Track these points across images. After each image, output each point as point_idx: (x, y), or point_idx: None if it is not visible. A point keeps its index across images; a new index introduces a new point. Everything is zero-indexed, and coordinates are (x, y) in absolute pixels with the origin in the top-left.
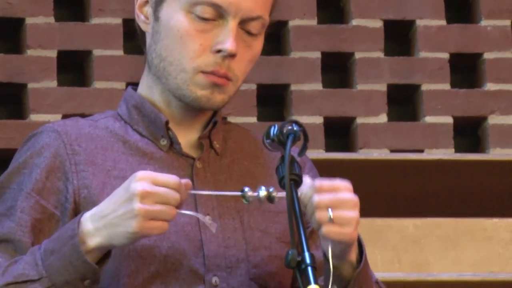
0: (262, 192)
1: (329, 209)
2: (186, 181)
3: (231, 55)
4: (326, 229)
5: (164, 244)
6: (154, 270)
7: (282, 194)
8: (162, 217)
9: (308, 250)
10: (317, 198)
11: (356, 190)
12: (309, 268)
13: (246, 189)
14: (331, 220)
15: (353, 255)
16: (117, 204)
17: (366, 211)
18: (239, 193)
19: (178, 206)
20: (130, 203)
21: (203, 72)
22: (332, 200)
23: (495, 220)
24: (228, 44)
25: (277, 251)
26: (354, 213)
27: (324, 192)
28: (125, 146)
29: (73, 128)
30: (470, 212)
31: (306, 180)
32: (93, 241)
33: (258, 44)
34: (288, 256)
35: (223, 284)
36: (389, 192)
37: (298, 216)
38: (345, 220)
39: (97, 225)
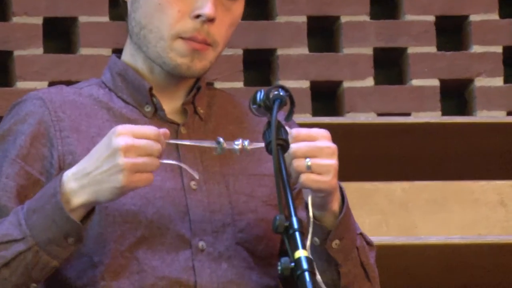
0: (237, 144)
1: (307, 158)
2: (164, 130)
3: (210, 20)
4: (304, 178)
5: (150, 209)
6: (140, 235)
7: (257, 145)
8: (147, 169)
9: (296, 215)
10: (294, 147)
11: (343, 154)
12: (297, 233)
13: (221, 139)
14: (309, 169)
15: (335, 205)
16: (100, 161)
17: (353, 175)
18: (214, 144)
19: (159, 156)
20: (114, 158)
21: (181, 38)
22: (309, 148)
23: (482, 182)
24: (207, 9)
25: (263, 214)
26: (332, 161)
27: (302, 141)
28: (109, 113)
29: (57, 95)
30: (457, 175)
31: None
32: (78, 199)
33: (238, 7)
34: (276, 221)
35: (209, 248)
36: (376, 155)
37: (285, 180)
38: (323, 168)
39: (81, 183)
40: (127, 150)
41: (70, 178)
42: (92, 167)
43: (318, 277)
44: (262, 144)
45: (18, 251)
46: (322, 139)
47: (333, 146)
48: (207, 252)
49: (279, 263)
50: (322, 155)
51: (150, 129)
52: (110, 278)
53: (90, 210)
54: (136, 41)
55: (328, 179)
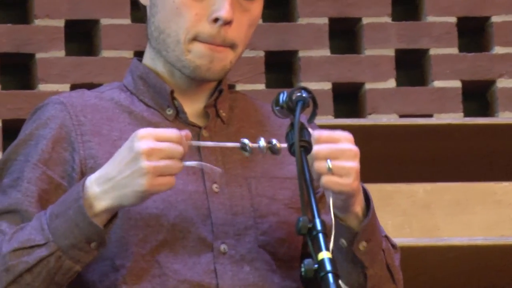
0: (262, 143)
1: (328, 160)
2: (186, 132)
3: (227, 23)
4: (325, 180)
5: (172, 212)
6: (162, 239)
7: (284, 145)
8: (169, 172)
9: (319, 217)
10: (316, 149)
11: (365, 156)
12: (320, 235)
13: (246, 140)
14: (330, 170)
15: (357, 208)
16: (122, 165)
17: (375, 176)
18: (238, 144)
19: (182, 159)
20: (136, 162)
21: (198, 40)
22: (331, 150)
23: (505, 183)
24: (223, 12)
25: (285, 217)
26: (353, 163)
27: (323, 143)
28: (131, 117)
29: (78, 99)
30: (479, 176)
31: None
32: (101, 204)
33: (256, 7)
34: (299, 223)
35: (231, 251)
36: (398, 157)
37: (308, 182)
38: (344, 170)
39: (104, 188)
40: (150, 154)
41: (93, 183)
42: (115, 172)
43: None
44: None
45: (40, 256)
46: (344, 141)
47: (355, 148)
48: (229, 255)
49: (302, 265)
50: (343, 157)
51: (172, 132)
52: (132, 281)
53: (113, 214)
54: (156, 45)
55: (349, 182)
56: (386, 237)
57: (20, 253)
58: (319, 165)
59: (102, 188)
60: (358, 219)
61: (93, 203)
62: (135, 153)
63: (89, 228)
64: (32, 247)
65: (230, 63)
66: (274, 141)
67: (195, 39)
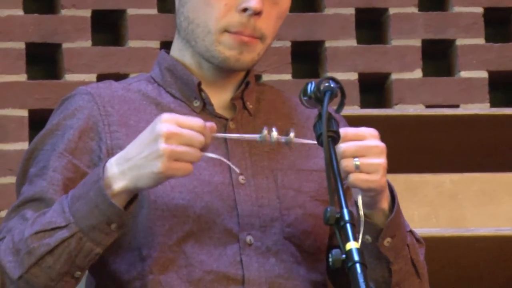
0: (292, 136)
1: (355, 158)
2: (211, 124)
3: (256, 13)
4: (353, 178)
5: (198, 203)
6: (188, 229)
7: (301, 141)
8: (187, 158)
9: (347, 207)
10: (342, 147)
11: (391, 146)
12: (348, 225)
13: (265, 131)
14: (357, 168)
15: (384, 204)
16: (142, 146)
17: (402, 167)
18: (259, 136)
19: (203, 149)
20: (155, 144)
21: (228, 31)
22: (358, 148)
23: None
24: (253, 2)
25: (311, 209)
26: (380, 160)
27: (350, 141)
28: (158, 109)
29: (106, 90)
30: (506, 167)
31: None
32: (119, 185)
33: (285, 1)
34: (327, 213)
35: (257, 243)
36: (425, 147)
37: (336, 173)
38: (372, 167)
39: (122, 168)
40: (169, 137)
41: (113, 164)
42: (134, 153)
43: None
44: (308, 141)
45: (61, 238)
46: (371, 138)
47: (382, 145)
48: (255, 247)
49: (330, 255)
50: (370, 154)
51: (195, 120)
52: (158, 271)
53: (133, 197)
54: (184, 36)
55: (377, 178)
56: (411, 232)
57: (41, 236)
58: (346, 164)
59: (120, 168)
60: (385, 215)
61: (111, 184)
62: (155, 134)
63: (109, 209)
64: (53, 229)
65: (258, 55)
66: (292, 134)
67: (225, 30)
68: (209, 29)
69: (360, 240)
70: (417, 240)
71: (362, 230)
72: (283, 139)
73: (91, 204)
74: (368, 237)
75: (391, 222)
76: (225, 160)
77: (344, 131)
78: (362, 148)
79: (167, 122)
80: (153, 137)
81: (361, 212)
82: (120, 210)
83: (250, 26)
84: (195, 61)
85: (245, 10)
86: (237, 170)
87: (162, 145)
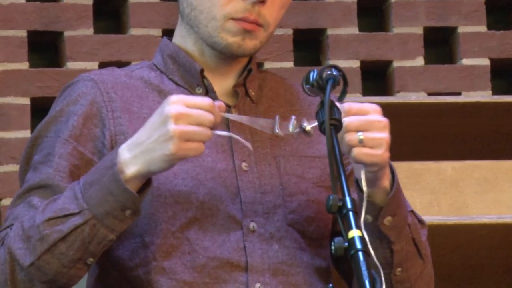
0: (293, 124)
1: (359, 132)
2: (219, 103)
3: (261, 1)
4: (356, 151)
5: (201, 190)
6: (192, 216)
7: (314, 124)
8: (198, 138)
9: (349, 195)
10: (346, 121)
11: (393, 134)
12: (351, 213)
13: (277, 118)
14: (361, 142)
15: (385, 181)
16: (152, 130)
17: (404, 154)
18: (270, 121)
19: (214, 128)
20: (164, 126)
21: (233, 19)
22: (361, 122)
23: None
24: None
25: (314, 195)
26: (384, 134)
27: (353, 115)
28: (160, 96)
29: (109, 76)
30: (508, 154)
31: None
32: (131, 170)
33: None
34: (329, 201)
35: (260, 229)
36: (427, 135)
37: (338, 160)
38: (375, 141)
39: (134, 153)
40: (178, 118)
41: (125, 149)
42: (145, 137)
43: (372, 253)
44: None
45: (75, 225)
46: (374, 113)
47: (385, 120)
48: (258, 233)
49: (332, 243)
50: (374, 129)
51: (203, 100)
52: (161, 258)
53: (146, 182)
54: (188, 22)
55: (380, 153)
56: (412, 212)
57: (54, 222)
58: (350, 138)
59: (132, 153)
60: (386, 194)
61: (124, 169)
62: (164, 116)
63: (123, 194)
64: (66, 216)
65: (260, 42)
66: (305, 124)
67: (230, 18)
68: (213, 15)
69: (362, 217)
70: (419, 220)
71: (364, 206)
72: (298, 128)
73: (105, 190)
74: (368, 217)
75: (391, 200)
76: (235, 136)
77: (348, 105)
78: (366, 122)
79: (175, 104)
80: (162, 120)
81: (364, 188)
82: (135, 195)
83: (255, 11)
84: (198, 48)
85: None
86: (248, 145)
87: (172, 126)
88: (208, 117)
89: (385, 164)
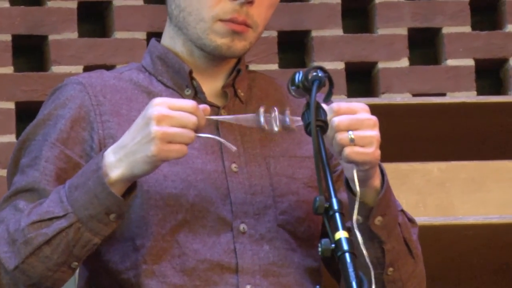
0: (276, 116)
1: (349, 131)
2: (204, 106)
3: (249, 2)
4: (348, 151)
5: (191, 192)
6: (182, 218)
7: (297, 119)
8: (180, 140)
9: (336, 196)
10: (336, 120)
11: (380, 135)
12: (337, 214)
13: (261, 110)
14: (352, 141)
15: (376, 181)
16: (135, 132)
17: (390, 155)
18: (254, 116)
19: (197, 131)
20: (147, 127)
21: (221, 20)
22: (351, 121)
23: None
24: None
25: (304, 196)
26: (374, 132)
27: (342, 114)
28: (150, 97)
29: (97, 79)
30: (494, 154)
31: (324, 105)
32: (115, 173)
33: None
34: (316, 202)
35: (251, 230)
36: (412, 136)
37: (324, 161)
38: (366, 139)
39: (119, 156)
40: (160, 120)
41: (110, 152)
42: (128, 139)
43: (365, 253)
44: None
45: (59, 228)
46: (362, 112)
47: (374, 118)
48: (248, 235)
49: (319, 245)
50: (364, 127)
51: (186, 102)
52: (151, 261)
53: (131, 186)
54: (176, 23)
55: (372, 151)
56: (403, 211)
57: (38, 226)
58: (341, 137)
59: (117, 156)
60: (377, 193)
61: (109, 172)
62: (147, 118)
63: (108, 198)
64: (51, 219)
65: (250, 43)
66: (288, 120)
67: (219, 19)
68: (201, 17)
69: (355, 217)
70: (410, 219)
71: (357, 206)
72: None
73: (90, 194)
74: (359, 217)
75: (382, 200)
76: (218, 138)
77: (337, 105)
78: (356, 121)
79: (158, 106)
80: (145, 122)
81: (357, 187)
82: (119, 199)
83: (243, 12)
84: (187, 49)
85: None
86: (233, 148)
87: (154, 128)
88: (191, 119)
89: (376, 162)
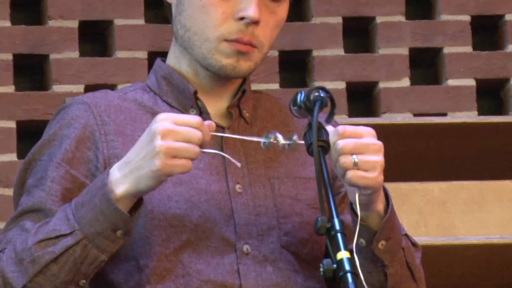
0: (282, 140)
1: (353, 155)
2: (209, 122)
3: (254, 22)
4: (351, 174)
5: (195, 212)
6: (185, 239)
7: (302, 142)
8: (185, 155)
9: (338, 216)
10: (341, 143)
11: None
12: (339, 235)
13: (271, 135)
14: (355, 165)
15: (379, 205)
16: (140, 148)
17: (391, 175)
18: (262, 139)
19: (202, 146)
20: (151, 142)
21: (226, 40)
22: (356, 144)
23: None
24: (251, 11)
25: (308, 217)
26: (378, 157)
27: (348, 138)
28: (154, 118)
29: (102, 99)
30: (495, 174)
31: (329, 127)
32: (121, 189)
33: (282, 10)
34: (318, 222)
35: (254, 252)
36: (413, 156)
37: (327, 182)
38: (370, 164)
39: (124, 172)
40: (165, 134)
41: (115, 169)
42: (133, 155)
43: (361, 276)
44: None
45: (66, 246)
46: (368, 136)
47: (379, 143)
48: (252, 256)
49: (321, 265)
50: (368, 152)
51: (191, 117)
52: (155, 281)
53: (138, 202)
54: (181, 43)
55: (375, 176)
56: (406, 235)
57: (45, 244)
58: (344, 160)
59: (122, 172)
60: (380, 218)
61: (114, 189)
62: (152, 133)
63: (114, 214)
64: (57, 237)
65: (255, 63)
66: (295, 137)
67: (224, 39)
68: (206, 36)
69: (355, 240)
70: (413, 244)
71: (357, 229)
72: (287, 141)
73: (96, 210)
74: (362, 241)
75: (386, 224)
76: (223, 154)
77: (343, 128)
78: (360, 145)
79: (163, 121)
80: (150, 137)
81: (358, 211)
82: (126, 215)
83: (249, 32)
84: (192, 69)
85: (242, 18)
86: (238, 164)
87: (159, 142)
88: (196, 134)
89: (379, 187)
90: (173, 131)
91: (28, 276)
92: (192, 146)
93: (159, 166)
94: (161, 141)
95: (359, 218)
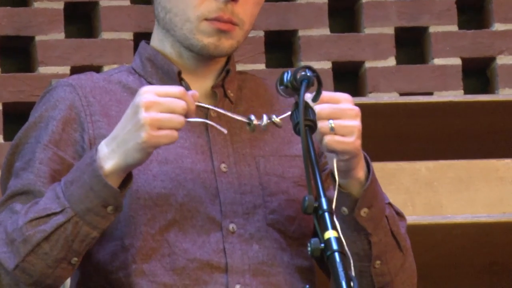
0: (265, 120)
1: (330, 120)
2: (192, 92)
3: (233, 0)
4: (328, 139)
5: (180, 191)
6: (171, 218)
7: (284, 115)
8: (170, 125)
9: (325, 196)
10: (317, 109)
11: (366, 135)
12: (326, 214)
13: (253, 117)
14: (332, 130)
15: (360, 172)
16: (125, 122)
17: (377, 155)
18: (245, 120)
19: (187, 115)
20: (136, 115)
21: (206, 19)
22: (333, 110)
23: (507, 160)
24: None
25: (295, 195)
26: (355, 122)
27: (324, 103)
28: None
29: (87, 81)
30: (482, 153)
31: (307, 95)
32: (109, 164)
33: None
34: (305, 202)
35: (240, 230)
36: (400, 135)
37: (313, 161)
38: (347, 129)
39: (111, 147)
40: (149, 106)
41: (103, 145)
42: (120, 130)
43: (346, 248)
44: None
45: (57, 224)
46: (345, 102)
47: (356, 108)
48: (237, 234)
49: (308, 244)
50: (345, 117)
51: (174, 88)
52: (141, 260)
53: (127, 178)
54: (163, 25)
55: (352, 140)
56: (390, 204)
57: (36, 223)
58: (321, 125)
59: (110, 148)
60: (361, 185)
61: (103, 164)
62: (136, 107)
63: (104, 190)
64: (48, 215)
65: (237, 42)
66: (274, 116)
67: (204, 18)
68: (187, 17)
69: (334, 204)
70: (397, 213)
71: (336, 194)
72: (267, 119)
73: (86, 187)
74: (344, 209)
75: (367, 191)
76: (209, 122)
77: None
78: (337, 110)
79: (146, 93)
80: (134, 110)
81: (337, 177)
82: (115, 190)
83: (228, 10)
84: (175, 50)
85: None
86: (224, 131)
87: (143, 115)
88: (180, 104)
89: (357, 153)
90: (156, 102)
91: (20, 256)
92: (176, 116)
93: (144, 138)
94: (145, 113)
95: (337, 183)
